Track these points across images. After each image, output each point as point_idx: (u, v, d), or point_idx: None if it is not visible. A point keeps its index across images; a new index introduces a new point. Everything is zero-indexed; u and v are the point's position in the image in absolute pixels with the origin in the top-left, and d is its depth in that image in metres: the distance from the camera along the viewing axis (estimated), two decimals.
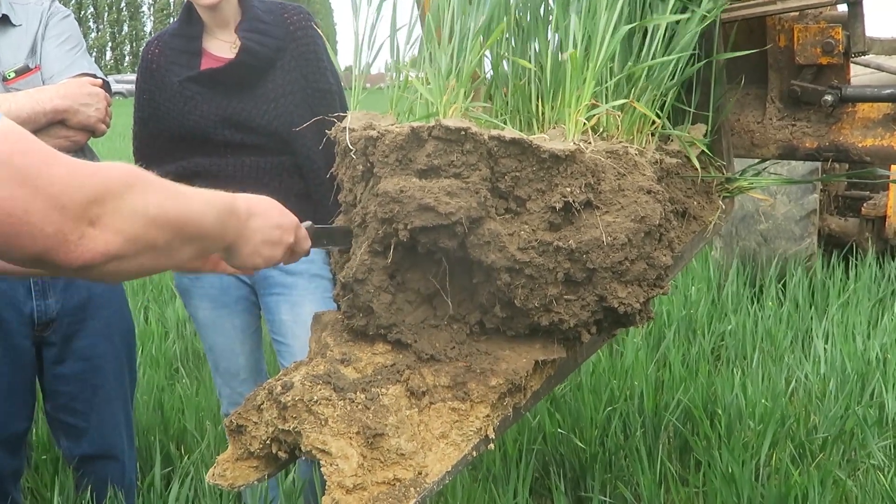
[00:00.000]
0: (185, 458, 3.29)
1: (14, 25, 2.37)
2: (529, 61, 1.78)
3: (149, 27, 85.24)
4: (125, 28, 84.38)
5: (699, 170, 1.91)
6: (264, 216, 1.40)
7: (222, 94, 2.60)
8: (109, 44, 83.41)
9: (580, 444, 3.23)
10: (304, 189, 2.62)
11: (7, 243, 1.02)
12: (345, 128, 1.63)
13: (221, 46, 2.64)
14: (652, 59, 1.82)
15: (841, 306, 4.95)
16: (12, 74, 2.32)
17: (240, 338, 2.80)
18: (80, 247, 1.05)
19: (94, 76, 2.40)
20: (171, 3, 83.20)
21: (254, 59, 2.57)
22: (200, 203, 1.24)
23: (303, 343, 1.75)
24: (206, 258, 1.48)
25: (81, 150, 2.44)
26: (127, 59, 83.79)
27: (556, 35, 1.80)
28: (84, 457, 2.63)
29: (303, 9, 2.73)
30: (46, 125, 2.30)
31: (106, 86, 2.42)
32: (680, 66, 1.92)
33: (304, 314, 2.44)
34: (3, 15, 2.36)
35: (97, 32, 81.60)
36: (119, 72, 71.02)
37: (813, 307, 5.07)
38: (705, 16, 1.88)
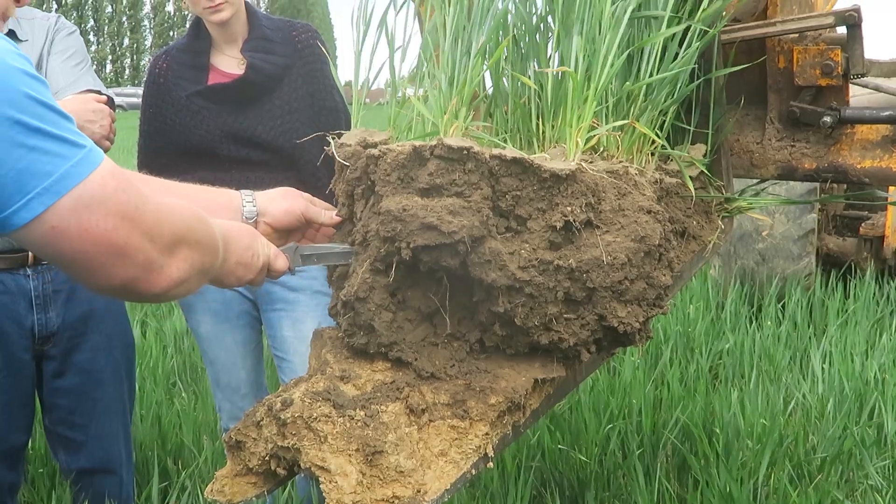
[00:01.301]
0: (182, 472, 3.28)
1: (20, 41, 2.38)
2: (530, 80, 1.79)
3: (149, 40, 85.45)
4: (126, 41, 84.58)
5: (693, 191, 1.92)
6: (238, 240, 1.48)
7: (229, 109, 2.61)
8: (109, 57, 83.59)
9: (580, 458, 3.22)
10: None
11: (101, 270, 1.13)
12: (340, 143, 1.64)
13: (229, 62, 2.65)
14: (649, 77, 1.83)
15: (839, 326, 4.96)
16: None
17: (241, 352, 2.80)
18: (161, 276, 1.20)
19: (99, 93, 2.42)
20: (173, 17, 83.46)
21: (261, 76, 2.58)
22: (217, 227, 1.37)
23: (304, 359, 1.76)
24: None
25: None
26: (127, 72, 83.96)
27: (557, 54, 1.82)
28: (82, 470, 2.63)
29: (310, 27, 2.74)
30: None
31: (110, 102, 2.43)
32: (678, 84, 1.93)
33: (306, 330, 2.46)
34: (10, 30, 2.37)
35: (98, 45, 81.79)
36: (119, 85, 71.13)
37: (811, 327, 5.07)
38: (704, 29, 1.90)
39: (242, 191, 1.65)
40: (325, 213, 1.70)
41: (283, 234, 1.68)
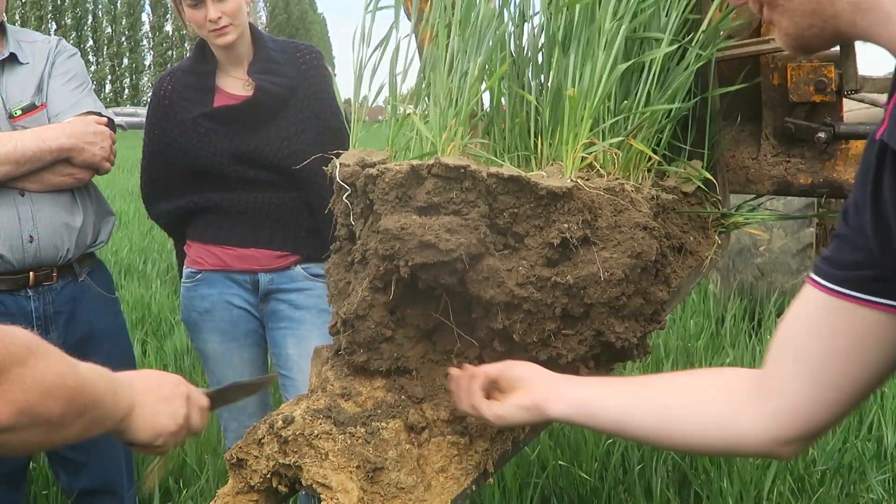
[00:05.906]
0: (185, 491, 3.28)
1: (21, 63, 2.41)
2: (531, 95, 1.80)
3: (149, 60, 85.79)
4: (125, 61, 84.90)
5: (690, 207, 1.93)
6: (156, 389, 1.37)
7: (236, 130, 2.62)
8: (109, 76, 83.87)
9: (580, 475, 3.22)
10: (314, 225, 2.64)
11: None
12: (339, 163, 1.65)
13: (235, 84, 2.67)
14: (647, 96, 1.85)
15: None
16: (19, 112, 2.35)
17: (249, 371, 2.79)
18: None
19: (100, 114, 2.43)
20: (171, 37, 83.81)
21: (268, 98, 2.60)
22: (90, 371, 1.17)
23: (308, 377, 1.76)
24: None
25: (85, 187, 2.47)
26: (126, 91, 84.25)
27: (554, 74, 1.83)
28: (83, 491, 2.62)
29: (314, 48, 2.76)
30: (51, 163, 2.33)
31: (111, 124, 2.45)
32: (676, 102, 1.95)
33: (310, 348, 2.46)
34: (11, 53, 2.40)
35: (97, 65, 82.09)
36: (119, 104, 71.27)
37: None
38: (700, 54, 1.91)
39: None
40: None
41: None
